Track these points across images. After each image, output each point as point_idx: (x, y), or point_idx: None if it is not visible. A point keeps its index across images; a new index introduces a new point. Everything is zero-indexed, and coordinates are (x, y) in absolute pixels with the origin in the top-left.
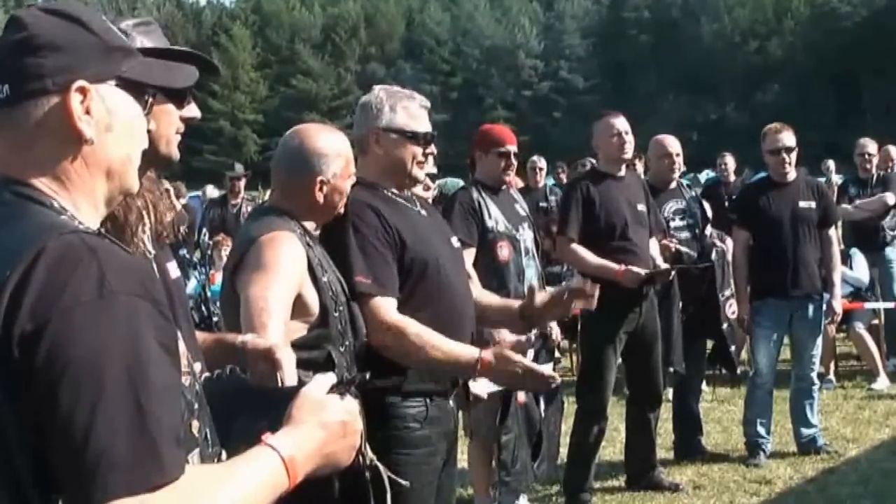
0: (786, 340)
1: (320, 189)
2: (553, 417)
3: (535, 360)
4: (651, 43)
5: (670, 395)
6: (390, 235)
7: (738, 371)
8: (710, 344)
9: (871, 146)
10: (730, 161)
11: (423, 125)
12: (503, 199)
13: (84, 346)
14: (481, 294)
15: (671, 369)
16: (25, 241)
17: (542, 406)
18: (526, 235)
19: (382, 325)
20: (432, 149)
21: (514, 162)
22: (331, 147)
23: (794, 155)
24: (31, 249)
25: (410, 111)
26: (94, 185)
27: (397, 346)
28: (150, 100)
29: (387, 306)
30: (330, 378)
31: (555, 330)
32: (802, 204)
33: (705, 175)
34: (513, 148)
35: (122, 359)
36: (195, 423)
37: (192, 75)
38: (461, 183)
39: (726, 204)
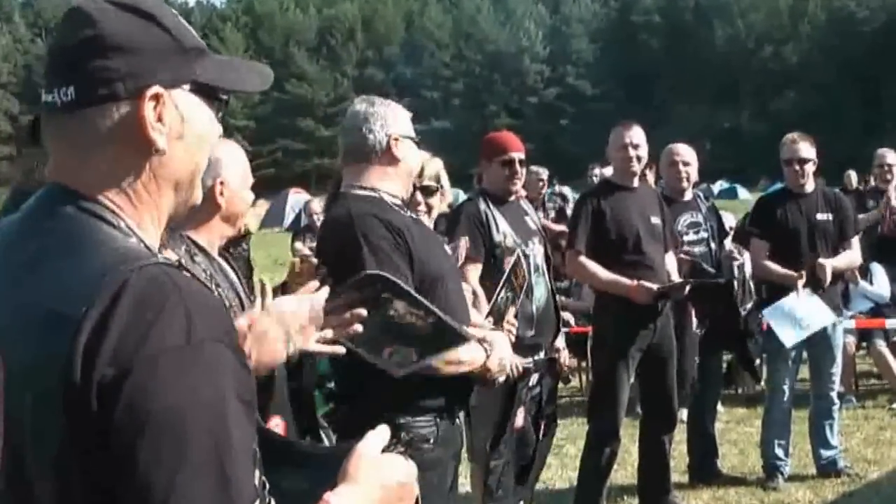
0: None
1: (221, 193)
2: (546, 444)
3: (540, 383)
4: (662, 48)
5: (684, 416)
6: (399, 243)
7: (757, 388)
8: (725, 362)
9: (890, 156)
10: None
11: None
12: (512, 211)
13: (167, 400)
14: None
15: (686, 389)
16: (101, 273)
17: (541, 433)
18: (536, 250)
19: None
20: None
21: (521, 170)
22: (229, 154)
23: (810, 166)
24: (110, 284)
25: (407, 117)
26: (160, 200)
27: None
28: (222, 103)
29: None
30: (383, 435)
31: (563, 352)
32: (820, 216)
33: (719, 186)
34: (518, 155)
35: (208, 417)
36: (257, 473)
37: (266, 76)
38: (462, 195)
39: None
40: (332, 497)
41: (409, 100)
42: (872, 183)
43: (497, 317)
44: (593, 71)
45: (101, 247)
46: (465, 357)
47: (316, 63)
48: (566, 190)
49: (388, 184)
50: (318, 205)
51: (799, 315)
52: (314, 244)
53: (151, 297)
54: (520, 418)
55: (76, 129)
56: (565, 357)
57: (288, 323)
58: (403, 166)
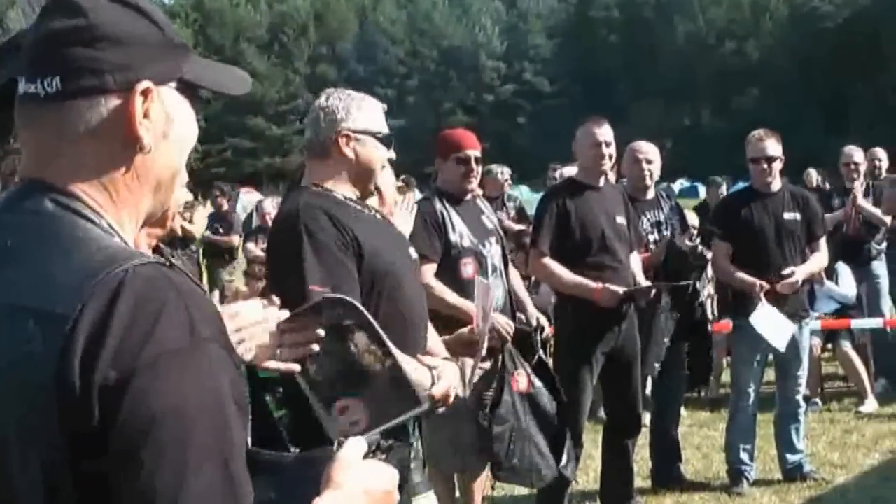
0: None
1: None
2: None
3: (500, 383)
4: (621, 44)
5: (646, 420)
6: (348, 242)
7: (720, 391)
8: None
9: (857, 155)
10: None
11: (385, 127)
12: (468, 211)
13: (172, 402)
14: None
15: (648, 393)
16: (92, 271)
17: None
18: (493, 251)
19: None
20: (391, 153)
21: (477, 168)
22: None
23: (777, 164)
24: (107, 283)
25: (374, 112)
26: (140, 199)
27: None
28: (202, 104)
29: None
30: (363, 442)
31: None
32: (787, 216)
33: (680, 184)
34: (474, 153)
35: (212, 418)
36: None
37: (246, 81)
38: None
39: None
40: (319, 502)
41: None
42: (845, 180)
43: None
44: (551, 67)
45: (85, 244)
46: (412, 377)
47: (267, 60)
48: (523, 189)
49: (340, 182)
50: (270, 205)
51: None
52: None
53: (150, 296)
54: (522, 380)
55: (59, 121)
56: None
57: (252, 333)
58: (355, 163)
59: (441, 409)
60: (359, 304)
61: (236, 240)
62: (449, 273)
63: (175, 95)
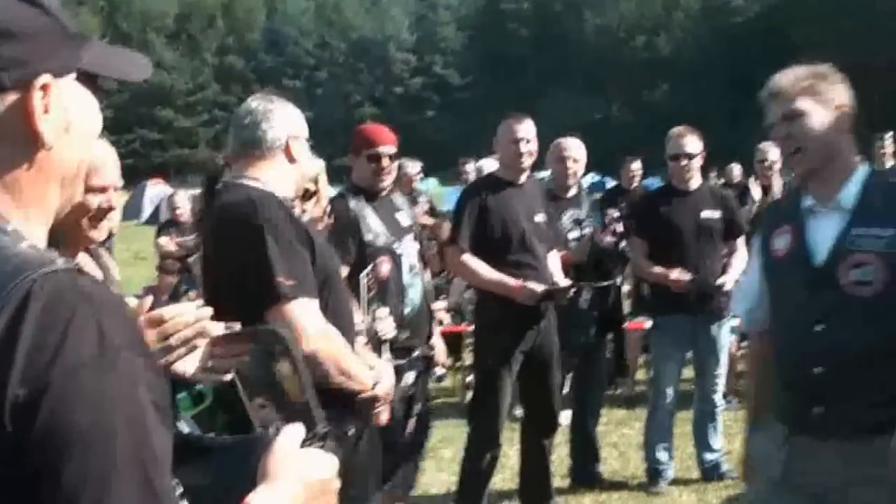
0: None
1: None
2: (417, 445)
3: (417, 381)
4: (532, 37)
5: (565, 419)
6: (301, 234)
7: (636, 389)
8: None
9: (772, 153)
10: (636, 167)
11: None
12: (383, 207)
13: (89, 416)
14: None
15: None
16: None
17: (411, 429)
18: (409, 249)
19: (314, 328)
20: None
21: (390, 165)
22: None
23: (697, 161)
24: (13, 294)
25: (304, 120)
26: (46, 197)
27: (327, 355)
28: (102, 93)
29: (315, 309)
30: (300, 430)
31: (438, 348)
32: (705, 214)
33: (590, 179)
34: (387, 149)
35: (131, 430)
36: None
37: (146, 66)
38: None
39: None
40: (254, 497)
41: (271, 89)
42: (760, 178)
43: (374, 340)
44: (461, 60)
45: None
46: (356, 371)
47: (175, 50)
48: (432, 182)
49: (281, 182)
50: (183, 198)
51: None
52: (181, 238)
53: (60, 306)
54: (384, 414)
55: None
56: (442, 354)
57: (182, 337)
58: (298, 167)
59: (382, 410)
60: (291, 342)
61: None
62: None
63: (74, 87)
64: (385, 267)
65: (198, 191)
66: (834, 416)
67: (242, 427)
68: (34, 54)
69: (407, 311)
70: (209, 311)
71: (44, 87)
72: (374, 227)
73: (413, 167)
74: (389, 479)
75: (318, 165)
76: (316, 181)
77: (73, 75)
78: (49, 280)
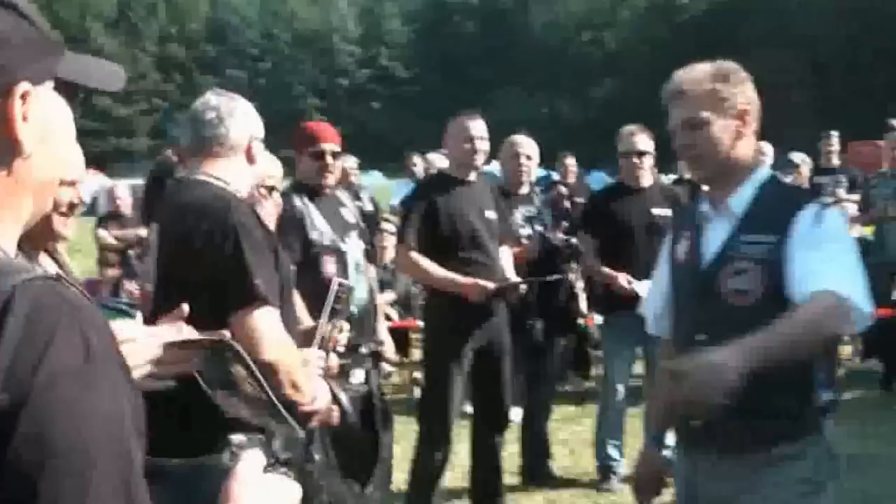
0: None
1: None
2: (387, 441)
3: (367, 379)
4: (479, 31)
5: (516, 416)
6: (267, 238)
7: (585, 385)
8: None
9: None
10: (571, 162)
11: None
12: (328, 204)
13: (71, 426)
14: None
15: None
16: None
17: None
18: (354, 246)
19: (277, 338)
20: None
21: (333, 162)
22: None
23: (648, 159)
24: None
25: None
26: (21, 206)
27: (285, 366)
28: (77, 102)
29: (277, 318)
30: (260, 455)
31: (387, 344)
32: (657, 211)
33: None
34: (329, 147)
35: (112, 441)
36: None
37: (120, 75)
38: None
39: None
40: None
41: (213, 79)
42: None
43: (325, 347)
44: (407, 53)
45: None
46: (303, 385)
47: (114, 39)
48: (375, 174)
49: (239, 182)
50: (124, 190)
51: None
52: (121, 231)
53: (42, 315)
54: (335, 417)
55: None
56: (390, 350)
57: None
58: (255, 169)
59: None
60: (244, 354)
61: None
62: (309, 272)
63: (53, 95)
64: (330, 267)
65: (139, 182)
66: (714, 429)
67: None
68: (13, 61)
69: (353, 309)
70: (172, 333)
71: (23, 95)
72: (318, 225)
73: (349, 161)
74: (366, 481)
75: (277, 166)
76: (271, 187)
77: (51, 84)
78: (31, 288)
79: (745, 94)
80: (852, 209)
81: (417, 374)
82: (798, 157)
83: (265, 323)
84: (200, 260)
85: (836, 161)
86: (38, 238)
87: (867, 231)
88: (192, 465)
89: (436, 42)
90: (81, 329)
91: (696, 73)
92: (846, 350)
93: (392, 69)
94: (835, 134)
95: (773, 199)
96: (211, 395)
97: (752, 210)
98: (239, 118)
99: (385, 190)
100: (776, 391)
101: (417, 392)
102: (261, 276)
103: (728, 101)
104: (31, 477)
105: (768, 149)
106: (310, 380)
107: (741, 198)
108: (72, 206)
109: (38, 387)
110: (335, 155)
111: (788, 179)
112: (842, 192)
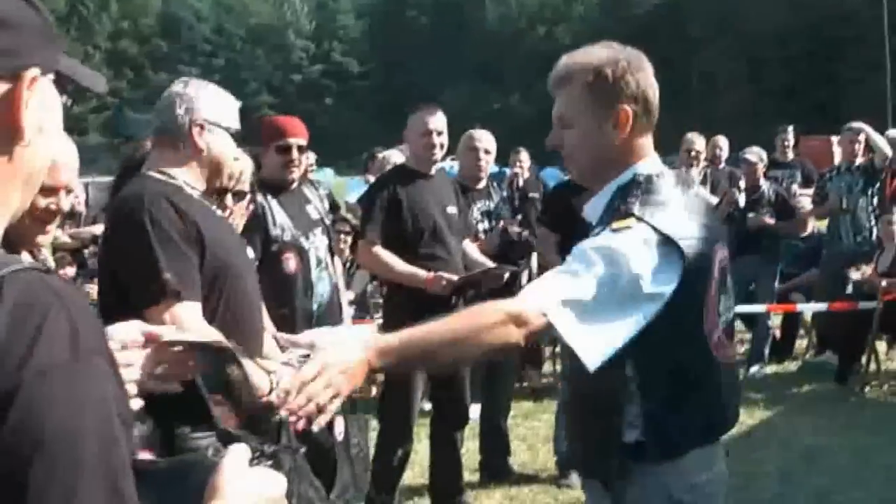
0: None
1: None
2: (357, 439)
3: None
4: (432, 26)
5: (470, 412)
6: (191, 233)
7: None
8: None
9: (699, 142)
10: (525, 157)
11: (236, 123)
12: (292, 201)
13: (60, 420)
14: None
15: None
16: None
17: (341, 428)
18: (318, 243)
19: (201, 331)
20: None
21: (299, 157)
22: None
23: None
24: None
25: (229, 107)
26: (12, 195)
27: None
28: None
29: (198, 313)
30: (245, 448)
31: None
32: None
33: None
34: (296, 141)
35: (100, 435)
36: None
37: (102, 80)
38: None
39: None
40: None
41: (165, 76)
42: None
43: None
44: (360, 48)
45: None
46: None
47: (66, 34)
48: (328, 171)
49: (188, 172)
50: (79, 187)
51: None
52: (75, 230)
53: (31, 306)
54: (301, 421)
55: None
56: None
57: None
58: (206, 156)
59: (282, 416)
60: (239, 351)
61: None
62: (270, 269)
63: (52, 87)
64: (291, 263)
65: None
66: (572, 455)
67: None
68: (25, 47)
69: (314, 306)
70: (172, 333)
71: (31, 82)
72: (280, 220)
73: (310, 158)
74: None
75: (245, 164)
76: (240, 179)
77: (52, 76)
78: (18, 278)
79: (630, 85)
80: (806, 203)
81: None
82: (755, 153)
83: (180, 319)
84: (115, 257)
85: (790, 155)
86: (17, 244)
87: (821, 225)
88: (174, 464)
89: (389, 37)
90: (70, 321)
91: (578, 60)
92: (801, 345)
93: (345, 64)
94: (790, 128)
95: (612, 204)
96: (206, 399)
97: (600, 218)
98: (182, 103)
99: (338, 187)
100: (586, 425)
101: (374, 390)
102: (172, 270)
103: (605, 95)
104: (21, 467)
105: (724, 142)
106: (259, 371)
107: (596, 204)
108: (50, 213)
109: (28, 380)
110: (301, 149)
111: (740, 174)
112: (796, 187)
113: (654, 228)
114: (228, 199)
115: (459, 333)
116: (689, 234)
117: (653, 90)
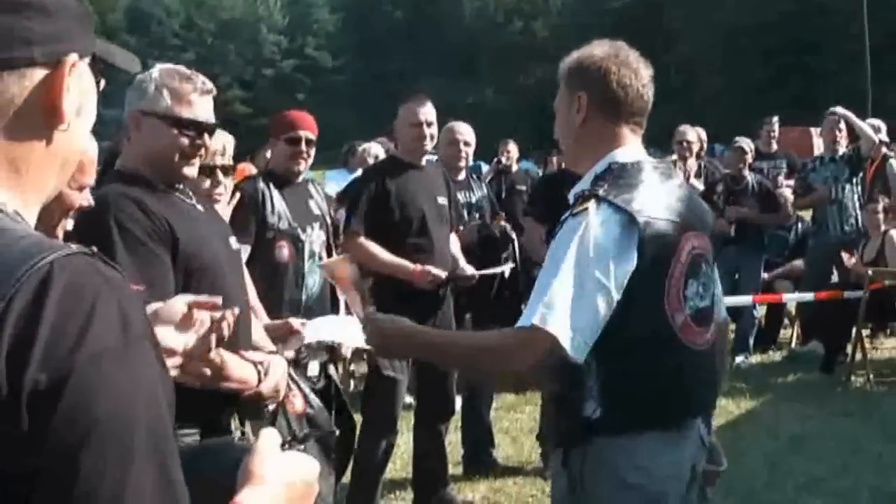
0: None
1: None
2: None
3: (320, 371)
4: (407, 19)
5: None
6: (160, 230)
7: None
8: None
9: (690, 133)
10: (512, 148)
11: (192, 111)
12: (296, 194)
13: (112, 405)
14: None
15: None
16: (13, 265)
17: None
18: (314, 236)
19: None
20: (207, 141)
21: (307, 150)
22: None
23: None
24: (30, 276)
25: (180, 93)
26: (46, 179)
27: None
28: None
29: None
30: (276, 433)
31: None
32: None
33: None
34: (305, 134)
35: (149, 419)
36: None
37: (136, 60)
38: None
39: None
40: (241, 498)
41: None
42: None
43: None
44: (334, 42)
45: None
46: (235, 375)
47: None
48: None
49: (142, 165)
50: None
51: None
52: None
53: (81, 290)
54: (297, 402)
55: None
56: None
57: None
58: (147, 148)
59: (271, 406)
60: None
61: None
62: (263, 255)
63: (88, 71)
64: (285, 251)
65: None
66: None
67: None
68: (65, 32)
69: (304, 297)
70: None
71: (71, 67)
72: (278, 209)
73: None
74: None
75: (227, 138)
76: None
77: (88, 60)
78: (68, 263)
79: (611, 78)
80: (789, 194)
81: (353, 367)
82: (745, 142)
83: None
84: None
85: (775, 146)
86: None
87: (804, 214)
88: (202, 447)
89: (363, 30)
90: (120, 305)
91: (567, 57)
92: (787, 334)
93: (318, 58)
94: (776, 119)
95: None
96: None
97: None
98: (131, 92)
99: (322, 180)
100: (553, 398)
101: (353, 384)
102: (134, 278)
103: (588, 85)
104: (75, 451)
105: (702, 134)
106: (244, 363)
107: (574, 192)
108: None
109: (80, 365)
110: (309, 143)
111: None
112: (782, 178)
113: (613, 204)
114: (219, 175)
115: (470, 356)
116: (652, 214)
117: (633, 85)
